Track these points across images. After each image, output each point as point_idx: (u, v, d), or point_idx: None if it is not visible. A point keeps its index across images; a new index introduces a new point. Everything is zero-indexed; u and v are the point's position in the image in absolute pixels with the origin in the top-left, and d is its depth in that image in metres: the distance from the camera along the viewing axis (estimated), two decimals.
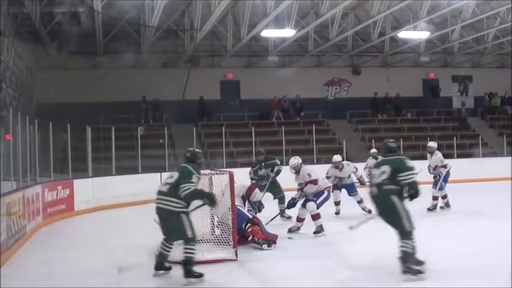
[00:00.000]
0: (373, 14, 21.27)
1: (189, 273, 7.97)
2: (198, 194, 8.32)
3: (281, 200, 13.83)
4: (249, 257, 9.36)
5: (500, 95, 31.48)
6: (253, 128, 24.46)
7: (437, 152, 14.97)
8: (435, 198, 14.56)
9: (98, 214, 16.47)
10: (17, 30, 19.41)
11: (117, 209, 17.21)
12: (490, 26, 24.05)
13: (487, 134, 29.18)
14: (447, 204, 14.72)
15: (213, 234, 9.67)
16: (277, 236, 10.33)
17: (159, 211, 8.30)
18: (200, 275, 7.99)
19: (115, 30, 22.48)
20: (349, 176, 14.58)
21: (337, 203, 14.43)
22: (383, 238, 8.73)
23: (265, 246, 9.96)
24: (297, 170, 12.03)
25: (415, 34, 23.94)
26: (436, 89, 31.52)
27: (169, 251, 8.40)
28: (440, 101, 31.48)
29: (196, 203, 8.60)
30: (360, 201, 14.26)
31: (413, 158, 14.72)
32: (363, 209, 13.94)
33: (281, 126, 25.63)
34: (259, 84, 27.63)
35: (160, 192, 8.33)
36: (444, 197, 14.70)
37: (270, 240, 10.09)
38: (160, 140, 22.70)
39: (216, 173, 10.04)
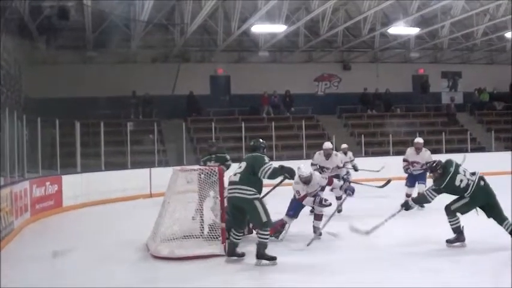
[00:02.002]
0: (364, 10, 21.28)
1: (262, 256, 8.45)
2: (279, 171, 8.69)
3: None
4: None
5: (488, 91, 31.59)
6: (243, 123, 24.45)
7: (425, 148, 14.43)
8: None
9: (86, 210, 16.37)
10: (5, 24, 19.25)
11: (106, 205, 17.09)
12: (479, 22, 24.08)
13: (475, 130, 29.28)
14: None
15: (202, 230, 9.66)
16: (282, 220, 10.43)
17: (234, 200, 8.58)
18: (273, 258, 8.47)
19: (104, 24, 22.33)
20: (334, 168, 13.53)
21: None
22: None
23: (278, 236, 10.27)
24: (307, 181, 10.41)
25: (405, 30, 23.92)
26: (425, 85, 31.57)
27: (240, 239, 8.81)
28: (430, 96, 31.54)
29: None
30: (338, 198, 13.12)
31: (403, 153, 14.99)
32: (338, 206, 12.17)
33: (271, 122, 25.61)
34: (249, 80, 27.57)
35: (232, 183, 8.62)
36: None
37: (280, 228, 10.37)
38: (150, 136, 22.65)
39: (206, 169, 9.97)
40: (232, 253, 8.78)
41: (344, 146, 18.47)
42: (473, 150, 26.53)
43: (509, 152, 25.97)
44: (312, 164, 13.29)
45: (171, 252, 8.98)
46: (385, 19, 24.04)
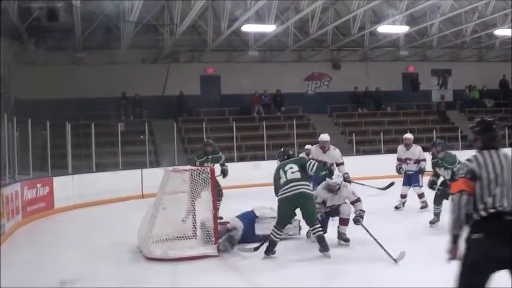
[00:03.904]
0: (353, 9, 21.34)
1: (326, 247, 8.82)
2: (323, 166, 9.54)
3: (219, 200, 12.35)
4: (230, 254, 9.33)
5: (478, 89, 31.71)
6: (234, 123, 24.44)
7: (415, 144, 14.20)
8: (422, 195, 13.52)
9: (78, 212, 16.29)
10: None
11: (97, 206, 17.03)
12: (468, 20, 24.19)
13: (466, 127, 29.34)
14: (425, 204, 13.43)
15: (194, 231, 9.64)
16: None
17: (299, 196, 8.86)
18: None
19: (94, 25, 22.29)
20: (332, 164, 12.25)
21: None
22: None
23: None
24: (334, 189, 9.85)
25: (395, 28, 23.97)
26: (415, 83, 31.67)
27: (280, 238, 9.07)
28: (420, 94, 31.65)
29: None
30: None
31: (394, 151, 15.03)
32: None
33: (262, 121, 25.60)
34: (239, 79, 27.48)
35: (293, 180, 8.95)
36: (421, 195, 13.62)
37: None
38: (141, 136, 22.61)
39: (197, 169, 9.97)
40: (271, 251, 8.96)
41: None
42: (464, 147, 26.61)
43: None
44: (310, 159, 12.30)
45: (164, 253, 8.98)
46: (374, 18, 24.08)
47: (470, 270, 4.52)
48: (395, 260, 8.12)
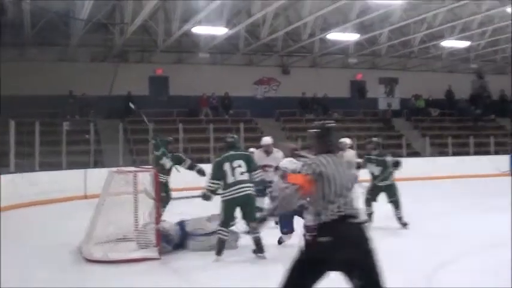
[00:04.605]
0: (304, 16, 21.48)
1: (260, 250, 9.00)
2: (262, 182, 9.86)
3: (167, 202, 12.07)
4: (172, 256, 9.30)
5: (424, 98, 32.30)
6: (181, 125, 24.32)
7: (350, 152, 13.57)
8: None
9: (19, 211, 15.87)
10: None
11: (39, 206, 16.67)
12: (416, 30, 24.63)
13: (411, 135, 29.89)
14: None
15: (136, 233, 9.57)
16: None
17: (248, 198, 9.10)
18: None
19: (43, 21, 21.92)
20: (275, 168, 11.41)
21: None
22: None
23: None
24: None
25: (344, 36, 24.25)
26: (363, 90, 32.15)
27: (228, 236, 9.21)
28: (367, 101, 32.13)
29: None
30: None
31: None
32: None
33: (209, 124, 25.54)
34: (188, 81, 27.41)
35: (242, 182, 9.08)
36: None
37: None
38: (86, 136, 22.25)
39: (141, 170, 9.90)
40: (221, 251, 9.00)
41: (251, 150, 13.02)
42: (409, 155, 27.09)
43: (443, 157, 26.75)
44: None
45: (105, 256, 8.88)
46: (325, 25, 24.26)
47: (306, 269, 4.70)
48: None
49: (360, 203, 8.99)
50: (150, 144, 17.11)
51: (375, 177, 11.98)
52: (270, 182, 10.69)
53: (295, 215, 9.31)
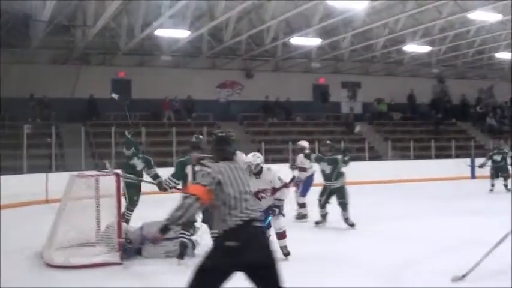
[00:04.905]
0: (267, 19, 21.53)
1: (181, 255, 8.97)
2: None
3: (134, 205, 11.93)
4: (134, 261, 9.23)
5: (386, 102, 32.61)
6: (143, 129, 24.13)
7: (301, 154, 13.85)
8: (301, 205, 13.62)
9: None
10: None
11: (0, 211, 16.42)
12: (379, 35, 24.85)
13: (373, 139, 30.14)
14: (300, 215, 13.61)
15: (97, 238, 9.49)
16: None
17: None
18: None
19: (2, 22, 21.56)
20: None
21: None
22: None
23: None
24: (253, 171, 9.36)
25: (307, 41, 24.35)
26: (325, 94, 32.34)
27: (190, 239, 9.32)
28: (330, 105, 32.30)
29: None
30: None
31: None
32: None
33: (172, 127, 25.37)
34: (151, 84, 27.25)
35: None
36: (302, 205, 13.65)
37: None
38: (48, 139, 21.96)
39: (103, 174, 9.81)
40: (184, 255, 9.02)
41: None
42: (371, 158, 27.35)
43: (405, 161, 27.05)
44: None
45: (66, 261, 8.78)
46: (288, 29, 24.37)
47: (214, 271, 4.98)
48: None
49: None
50: (113, 148, 16.88)
51: (326, 177, 12.54)
52: None
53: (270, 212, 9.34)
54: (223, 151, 5.42)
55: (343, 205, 12.28)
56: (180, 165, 9.25)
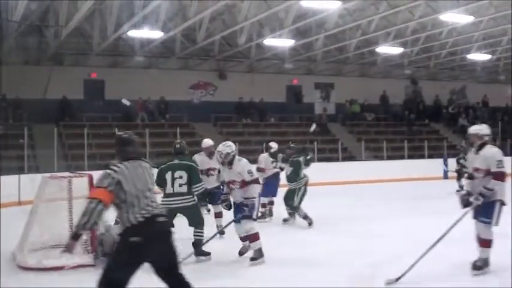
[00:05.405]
0: (240, 20, 21.56)
1: (199, 252, 9.16)
2: (207, 195, 10.78)
3: None
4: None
5: (360, 103, 32.78)
6: (116, 130, 23.95)
7: (263, 154, 14.45)
8: (263, 205, 12.98)
9: None
10: None
11: None
12: (352, 36, 25.02)
13: (346, 140, 30.29)
14: (265, 213, 13.54)
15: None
16: None
17: (182, 208, 9.13)
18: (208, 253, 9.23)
19: None
20: (219, 171, 10.67)
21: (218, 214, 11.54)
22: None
23: None
24: (225, 160, 9.26)
25: (280, 42, 24.41)
26: (299, 95, 32.49)
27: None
28: (303, 106, 32.42)
29: None
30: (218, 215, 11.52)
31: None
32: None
33: (145, 128, 25.26)
34: (124, 85, 27.09)
35: (179, 194, 9.07)
36: (263, 205, 13.15)
37: None
38: (20, 140, 21.74)
39: (76, 176, 9.77)
40: (201, 252, 9.21)
41: (208, 143, 12.65)
42: (344, 159, 27.50)
43: (378, 161, 27.23)
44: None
45: (39, 263, 8.73)
46: (261, 30, 24.41)
47: (123, 266, 5.33)
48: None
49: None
50: (85, 149, 16.77)
51: (288, 178, 12.96)
52: (217, 187, 10.65)
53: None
54: (125, 152, 5.67)
55: (295, 207, 12.66)
56: (159, 172, 9.20)
